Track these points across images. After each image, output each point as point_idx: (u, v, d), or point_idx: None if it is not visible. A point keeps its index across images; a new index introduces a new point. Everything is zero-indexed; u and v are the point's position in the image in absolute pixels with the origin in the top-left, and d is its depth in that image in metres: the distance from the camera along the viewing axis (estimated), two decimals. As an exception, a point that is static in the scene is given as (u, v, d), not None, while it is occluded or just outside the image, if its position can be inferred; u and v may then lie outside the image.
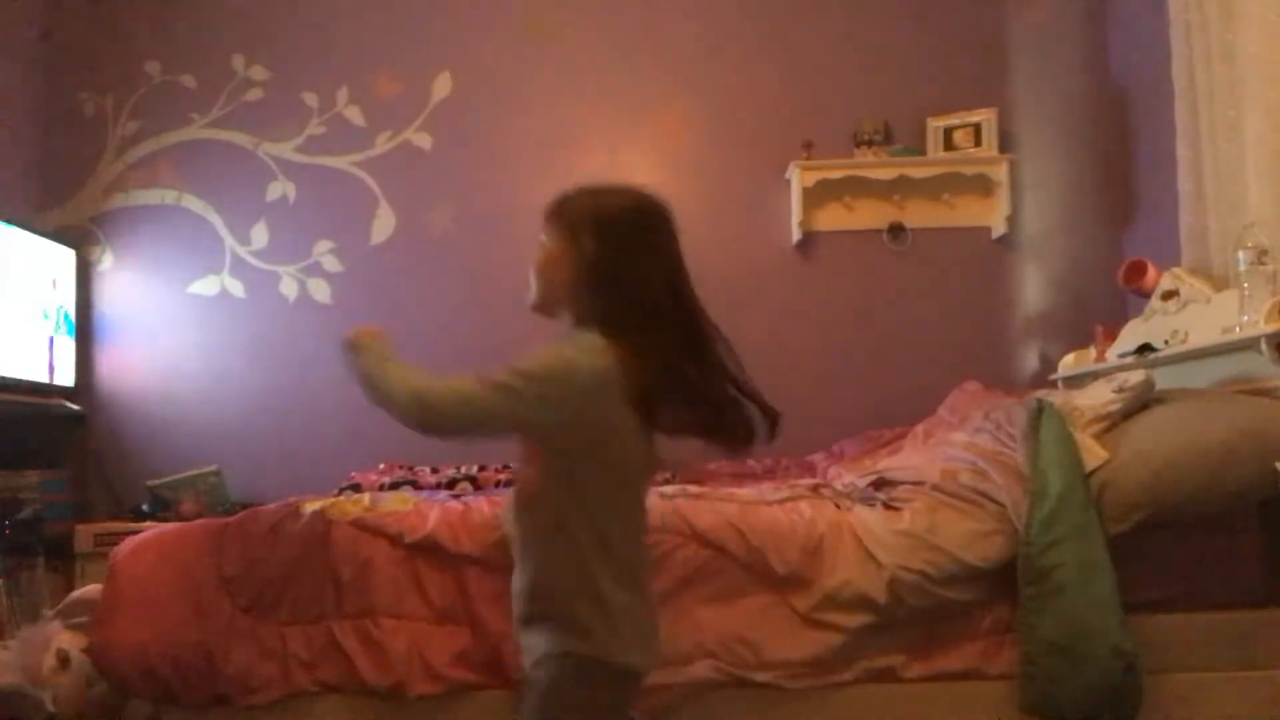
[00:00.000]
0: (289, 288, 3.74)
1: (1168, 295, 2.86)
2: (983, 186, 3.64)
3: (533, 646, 1.37)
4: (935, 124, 3.66)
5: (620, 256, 1.36)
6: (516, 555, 1.41)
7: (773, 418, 1.39)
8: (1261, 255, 2.37)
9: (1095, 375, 2.85)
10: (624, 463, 1.36)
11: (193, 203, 3.76)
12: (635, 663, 1.35)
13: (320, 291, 3.73)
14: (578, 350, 1.32)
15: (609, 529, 1.34)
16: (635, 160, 3.77)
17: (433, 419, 1.29)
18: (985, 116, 3.61)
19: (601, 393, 1.30)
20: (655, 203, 1.43)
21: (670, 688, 1.84)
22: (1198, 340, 2.61)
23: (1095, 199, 3.69)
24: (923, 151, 3.65)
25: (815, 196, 3.63)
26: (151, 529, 2.17)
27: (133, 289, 3.74)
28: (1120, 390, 2.20)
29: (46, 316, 3.39)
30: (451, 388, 1.29)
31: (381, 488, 2.80)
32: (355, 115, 3.79)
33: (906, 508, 2.07)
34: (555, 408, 1.29)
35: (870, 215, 3.69)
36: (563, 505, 1.33)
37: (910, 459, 2.51)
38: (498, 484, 2.86)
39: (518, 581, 1.40)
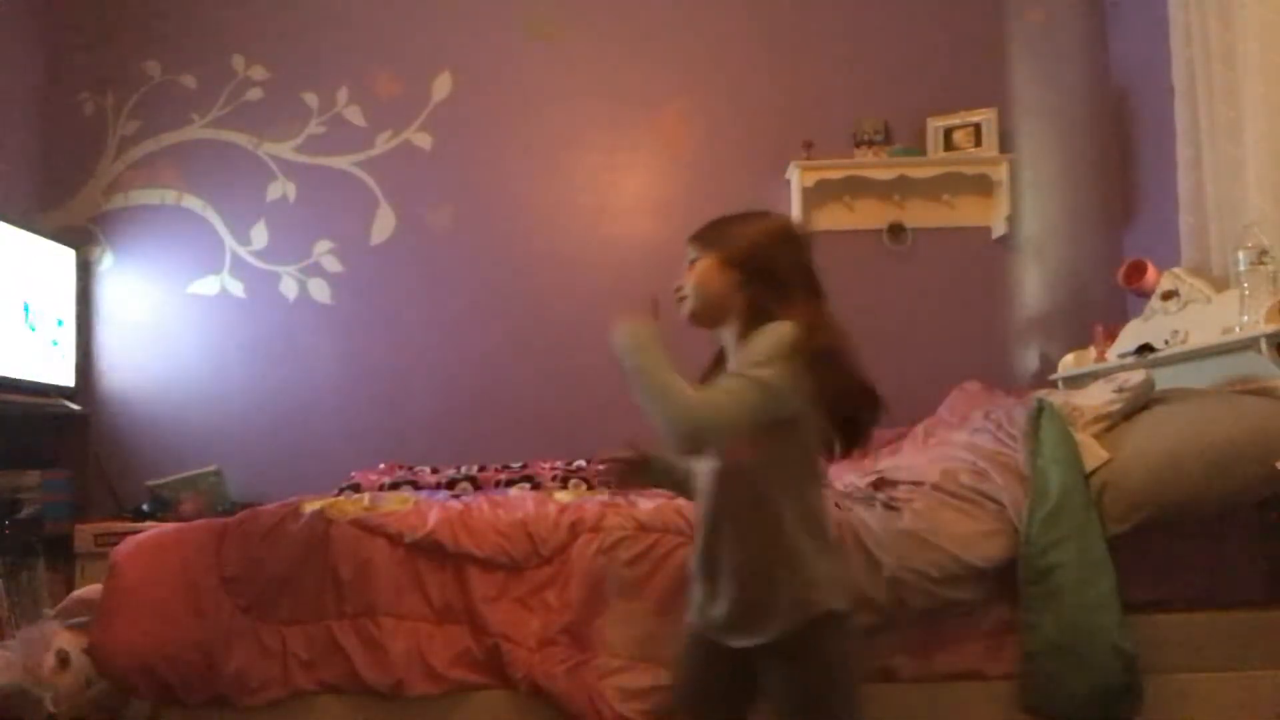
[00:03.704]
0: (289, 288, 3.73)
1: (1168, 295, 2.86)
2: (983, 186, 3.64)
3: (766, 624, 1.41)
4: (935, 124, 3.66)
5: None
6: (710, 541, 1.47)
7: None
8: (1261, 255, 2.37)
9: (1095, 375, 2.85)
10: (814, 425, 1.44)
11: (193, 203, 3.76)
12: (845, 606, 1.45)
13: (320, 291, 3.73)
14: (781, 329, 1.39)
15: (810, 492, 1.45)
16: (635, 160, 3.78)
17: (700, 435, 1.32)
18: (985, 116, 3.62)
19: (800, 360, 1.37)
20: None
21: (670, 688, 1.84)
22: (1198, 340, 2.61)
23: (1095, 199, 3.69)
24: (923, 151, 3.65)
25: (815, 196, 3.62)
26: (151, 529, 2.17)
27: (133, 289, 3.73)
28: (1120, 390, 2.20)
29: (46, 316, 3.39)
30: (713, 401, 1.31)
31: (381, 488, 2.79)
32: (355, 115, 3.79)
33: (907, 508, 2.07)
34: (793, 385, 1.36)
35: (870, 215, 3.69)
36: (771, 478, 1.40)
37: (910, 459, 2.51)
38: (497, 484, 2.86)
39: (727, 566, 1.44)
